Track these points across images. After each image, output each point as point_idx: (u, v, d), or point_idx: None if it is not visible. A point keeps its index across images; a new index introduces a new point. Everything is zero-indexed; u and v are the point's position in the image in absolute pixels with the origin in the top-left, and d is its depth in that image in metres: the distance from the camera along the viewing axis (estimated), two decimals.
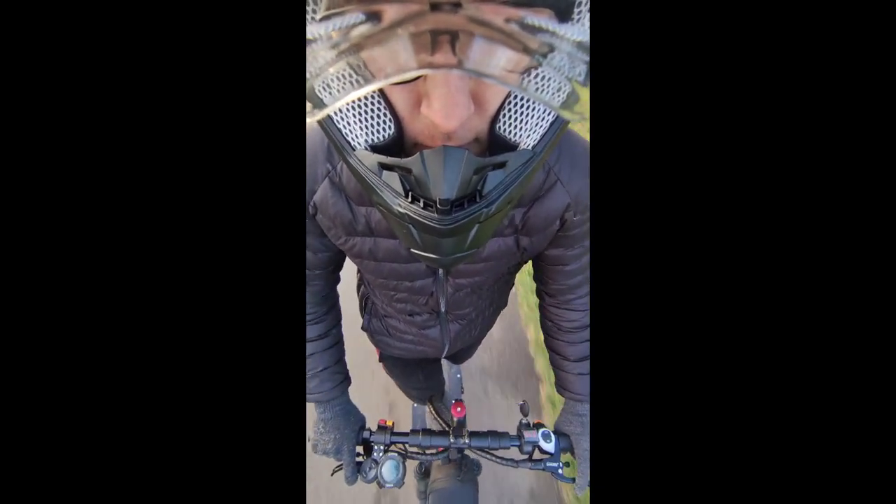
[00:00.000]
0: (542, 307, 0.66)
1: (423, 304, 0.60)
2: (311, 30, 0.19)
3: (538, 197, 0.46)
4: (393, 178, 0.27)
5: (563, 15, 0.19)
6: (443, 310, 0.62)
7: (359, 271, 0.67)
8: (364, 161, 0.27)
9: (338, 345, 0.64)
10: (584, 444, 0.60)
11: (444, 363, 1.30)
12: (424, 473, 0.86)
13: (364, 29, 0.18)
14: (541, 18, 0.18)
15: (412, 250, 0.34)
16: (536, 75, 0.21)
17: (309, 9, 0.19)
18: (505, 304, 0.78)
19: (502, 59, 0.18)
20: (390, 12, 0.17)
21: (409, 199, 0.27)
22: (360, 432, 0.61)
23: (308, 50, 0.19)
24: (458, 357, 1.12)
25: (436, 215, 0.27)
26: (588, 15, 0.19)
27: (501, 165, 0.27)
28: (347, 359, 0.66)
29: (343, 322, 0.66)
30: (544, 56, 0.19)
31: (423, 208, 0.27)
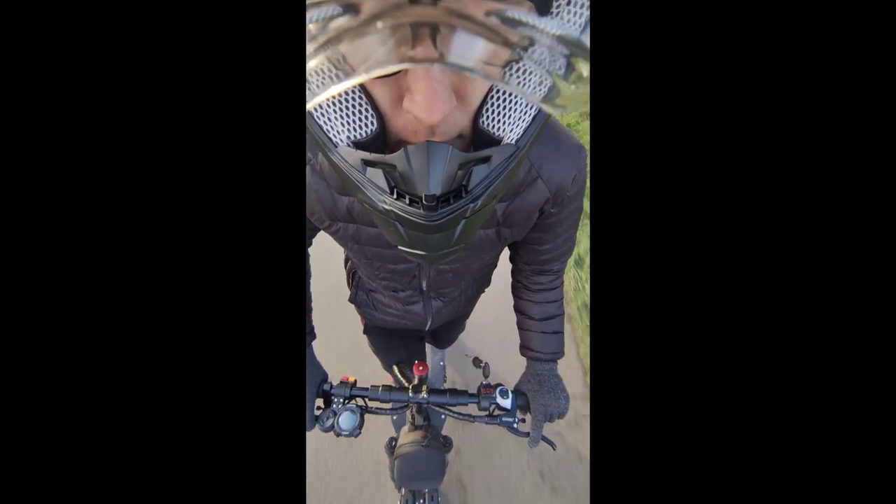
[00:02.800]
0: (513, 271, 0.70)
1: (406, 283, 0.63)
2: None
3: (519, 192, 0.47)
4: (377, 175, 0.27)
5: (543, 9, 0.19)
6: (425, 289, 0.65)
7: None
8: (347, 158, 0.27)
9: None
10: (539, 400, 0.62)
11: (429, 349, 1.31)
12: (393, 448, 0.89)
13: (342, 21, 0.17)
14: (520, 12, 0.18)
15: (398, 247, 0.34)
16: (518, 69, 0.21)
17: None
18: (488, 283, 0.82)
19: (483, 52, 0.18)
20: (369, 4, 0.17)
21: (395, 196, 0.27)
22: (320, 385, 0.63)
23: None
24: (441, 341, 1.14)
25: (422, 211, 0.27)
26: (567, 8, 0.19)
27: (486, 160, 0.27)
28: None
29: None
30: (525, 50, 0.19)
31: (408, 205, 0.27)
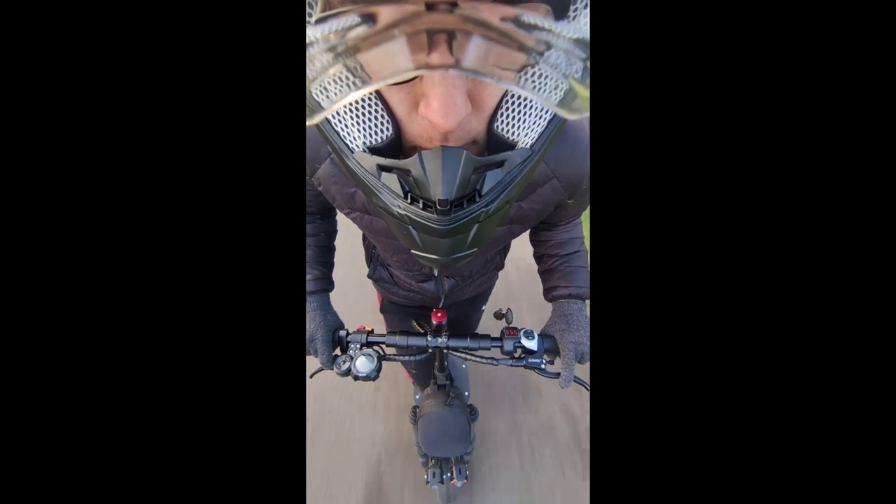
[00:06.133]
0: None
1: (419, 266, 0.65)
2: (307, 33, 0.19)
3: (533, 190, 0.47)
4: (392, 180, 0.27)
5: (560, 12, 0.19)
6: (436, 274, 0.67)
7: None
8: (362, 163, 0.27)
9: (325, 248, 0.68)
10: (569, 338, 0.59)
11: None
12: (416, 416, 0.88)
13: (360, 31, 0.18)
14: (537, 16, 0.18)
15: (412, 251, 0.34)
16: (533, 73, 0.21)
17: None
18: (502, 266, 0.83)
19: (499, 57, 0.18)
20: (386, 13, 0.17)
21: (409, 201, 0.27)
22: (335, 332, 0.63)
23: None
24: (458, 326, 1.12)
25: (435, 216, 0.27)
26: (584, 12, 0.19)
27: (500, 164, 0.27)
28: None
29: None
30: (541, 54, 0.19)
31: (422, 209, 0.27)
